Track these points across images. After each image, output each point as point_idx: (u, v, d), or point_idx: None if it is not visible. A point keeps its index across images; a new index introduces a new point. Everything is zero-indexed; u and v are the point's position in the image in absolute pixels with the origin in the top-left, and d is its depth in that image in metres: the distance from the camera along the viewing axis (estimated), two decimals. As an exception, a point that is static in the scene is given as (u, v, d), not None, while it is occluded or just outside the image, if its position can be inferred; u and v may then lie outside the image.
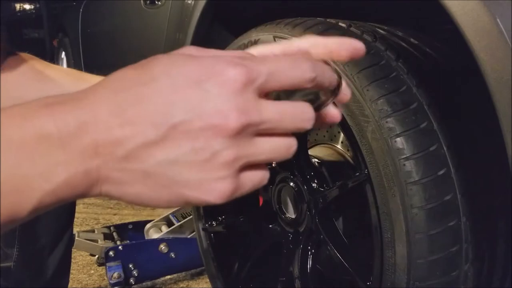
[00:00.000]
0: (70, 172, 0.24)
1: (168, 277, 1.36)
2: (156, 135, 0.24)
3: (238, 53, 0.28)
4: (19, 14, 5.33)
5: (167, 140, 0.24)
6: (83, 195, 0.26)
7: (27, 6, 5.34)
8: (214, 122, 0.24)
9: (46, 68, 0.53)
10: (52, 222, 0.85)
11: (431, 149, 0.55)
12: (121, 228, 1.49)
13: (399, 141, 0.55)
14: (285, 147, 0.27)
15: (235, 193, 0.27)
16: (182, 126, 0.24)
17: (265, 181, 0.28)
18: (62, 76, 0.54)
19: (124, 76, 0.26)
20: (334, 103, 0.31)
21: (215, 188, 0.25)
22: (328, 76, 0.28)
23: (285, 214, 0.82)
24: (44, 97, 0.25)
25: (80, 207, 1.92)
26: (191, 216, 1.34)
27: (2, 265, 0.81)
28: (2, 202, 0.23)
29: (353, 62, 0.60)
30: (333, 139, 0.84)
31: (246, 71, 0.25)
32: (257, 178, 0.27)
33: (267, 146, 0.26)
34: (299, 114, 0.27)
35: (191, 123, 0.24)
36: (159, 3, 1.26)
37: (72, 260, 0.94)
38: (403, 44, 0.66)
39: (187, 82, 0.25)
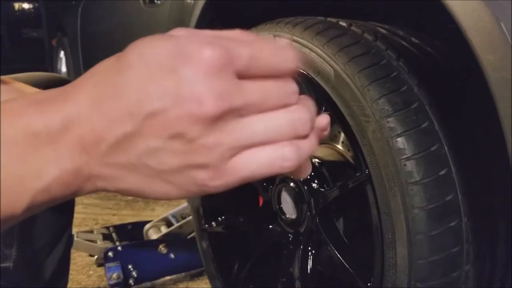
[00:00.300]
0: (61, 170, 0.24)
1: (168, 278, 1.36)
2: (133, 126, 0.23)
3: (226, 32, 0.26)
4: (18, 13, 5.32)
5: (144, 130, 0.23)
6: (78, 192, 0.25)
7: (26, 6, 5.33)
8: (190, 108, 0.22)
9: (20, 86, 0.55)
10: (51, 223, 0.85)
11: (432, 149, 0.55)
12: (120, 229, 1.49)
13: (400, 141, 0.55)
14: (287, 122, 0.24)
15: (224, 179, 0.24)
16: (158, 115, 0.23)
17: (286, 166, 0.25)
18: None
19: (103, 67, 0.25)
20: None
21: (198, 176, 0.24)
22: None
23: (285, 214, 0.82)
24: (32, 94, 0.25)
25: (79, 207, 1.91)
26: (190, 217, 1.34)
27: (1, 265, 0.81)
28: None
29: (354, 62, 0.60)
30: (334, 139, 0.84)
31: (223, 52, 0.23)
32: (263, 158, 0.24)
33: (260, 126, 0.24)
34: (283, 87, 0.25)
35: (167, 111, 0.23)
36: (159, 2, 1.25)
37: (71, 260, 0.94)
38: (404, 43, 0.66)
39: (161, 66, 0.23)
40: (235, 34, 0.26)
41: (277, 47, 0.25)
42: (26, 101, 0.24)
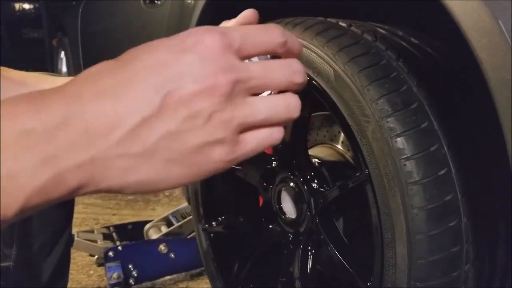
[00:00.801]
0: (59, 168, 0.22)
1: (168, 277, 1.36)
2: (152, 109, 0.24)
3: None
4: (18, 13, 5.32)
5: (163, 111, 0.24)
6: (76, 192, 0.24)
7: (26, 6, 5.33)
8: (206, 83, 0.24)
9: (9, 72, 0.53)
10: (51, 222, 0.85)
11: (431, 149, 0.55)
12: (121, 229, 1.49)
13: (400, 141, 0.55)
14: (284, 104, 0.27)
15: (237, 153, 0.26)
16: (175, 94, 0.24)
17: (275, 138, 0.28)
18: (25, 77, 0.54)
19: (103, 64, 0.25)
20: None
21: (216, 152, 0.25)
22: (296, 42, 0.29)
23: (285, 214, 0.82)
24: (22, 94, 0.24)
25: (79, 207, 1.91)
26: (190, 217, 1.34)
27: (1, 265, 0.81)
28: None
29: (354, 62, 0.60)
30: (333, 139, 0.84)
31: (221, 35, 0.26)
32: (261, 135, 0.27)
33: (262, 105, 0.27)
34: (288, 67, 0.28)
35: (184, 89, 0.24)
36: (159, 2, 1.25)
37: (72, 260, 0.94)
38: (404, 43, 0.66)
39: (170, 54, 0.25)
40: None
41: (264, 26, 0.28)
42: (17, 100, 0.23)
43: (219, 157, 0.26)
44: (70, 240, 0.92)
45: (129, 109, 0.23)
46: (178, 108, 0.24)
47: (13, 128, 0.22)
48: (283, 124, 0.28)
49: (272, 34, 0.28)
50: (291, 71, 0.28)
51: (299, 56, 0.30)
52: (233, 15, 0.40)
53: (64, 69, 2.97)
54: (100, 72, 0.25)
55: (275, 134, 0.28)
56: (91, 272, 1.41)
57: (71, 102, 0.23)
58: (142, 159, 0.24)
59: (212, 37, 0.25)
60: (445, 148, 0.56)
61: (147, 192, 0.26)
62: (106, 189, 0.25)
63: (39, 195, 0.23)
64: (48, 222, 0.84)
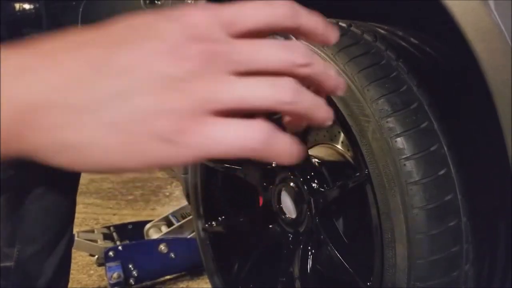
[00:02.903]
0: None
1: (168, 277, 1.36)
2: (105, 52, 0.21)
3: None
4: (18, 13, 5.33)
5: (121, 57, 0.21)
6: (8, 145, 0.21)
7: (26, 6, 5.34)
8: (175, 50, 0.21)
9: None
10: (52, 222, 0.85)
11: (431, 149, 0.55)
12: (121, 228, 1.49)
13: (400, 141, 0.55)
14: (268, 84, 0.21)
15: (190, 139, 0.20)
16: (135, 50, 0.21)
17: (250, 139, 0.20)
18: None
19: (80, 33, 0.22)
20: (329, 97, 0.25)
21: (161, 122, 0.20)
22: (309, 18, 0.24)
23: (285, 214, 0.82)
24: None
25: (79, 207, 1.91)
26: (191, 216, 1.34)
27: (2, 265, 0.81)
28: None
29: (354, 62, 0.60)
30: (333, 139, 0.84)
31: (207, 10, 0.22)
32: (232, 128, 0.20)
33: (241, 84, 0.21)
34: (286, 47, 0.22)
35: (151, 50, 0.21)
36: (159, 2, 1.25)
37: (72, 260, 0.94)
38: (404, 43, 0.66)
39: (154, 20, 0.22)
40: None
41: (262, 2, 0.23)
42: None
43: (161, 130, 0.20)
44: (71, 240, 0.92)
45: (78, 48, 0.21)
46: (139, 67, 0.20)
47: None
48: (265, 111, 0.21)
49: (273, 5, 0.22)
50: (292, 50, 0.22)
51: (321, 38, 0.24)
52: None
53: (64, 69, 2.96)
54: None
55: (252, 133, 0.20)
56: (92, 272, 1.41)
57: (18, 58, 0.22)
58: (82, 112, 0.20)
59: (196, 9, 0.22)
60: (445, 148, 0.56)
61: (70, 167, 0.21)
62: (32, 150, 0.21)
63: None
64: (49, 222, 0.85)
